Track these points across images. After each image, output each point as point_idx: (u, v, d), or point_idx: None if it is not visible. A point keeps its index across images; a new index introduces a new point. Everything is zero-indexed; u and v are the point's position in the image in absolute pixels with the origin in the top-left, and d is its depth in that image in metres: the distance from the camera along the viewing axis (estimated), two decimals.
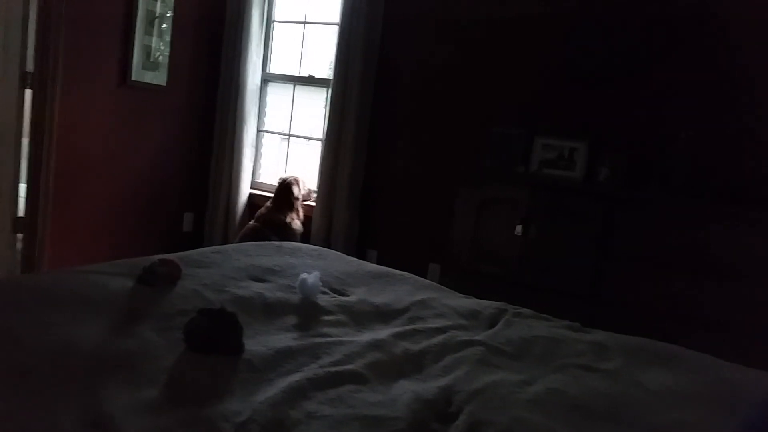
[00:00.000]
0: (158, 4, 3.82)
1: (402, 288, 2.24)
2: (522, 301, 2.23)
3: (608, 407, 1.46)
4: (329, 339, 1.67)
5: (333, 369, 1.46)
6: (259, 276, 2.14)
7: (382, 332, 1.78)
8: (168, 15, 3.90)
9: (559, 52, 3.32)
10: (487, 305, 2.14)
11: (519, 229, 3.04)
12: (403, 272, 2.45)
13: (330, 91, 3.92)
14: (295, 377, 1.39)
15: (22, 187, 3.46)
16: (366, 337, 1.73)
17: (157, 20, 3.83)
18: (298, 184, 3.89)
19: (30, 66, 3.36)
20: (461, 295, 2.30)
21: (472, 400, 1.39)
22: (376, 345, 1.65)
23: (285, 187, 3.87)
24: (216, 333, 1.49)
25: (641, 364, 1.76)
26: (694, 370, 1.76)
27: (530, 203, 3.05)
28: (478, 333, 1.87)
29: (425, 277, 2.56)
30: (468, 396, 1.41)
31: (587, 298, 2.87)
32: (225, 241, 4.12)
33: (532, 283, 2.99)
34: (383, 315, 1.96)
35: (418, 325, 1.87)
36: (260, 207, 3.95)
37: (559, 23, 3.31)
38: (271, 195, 3.95)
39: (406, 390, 1.42)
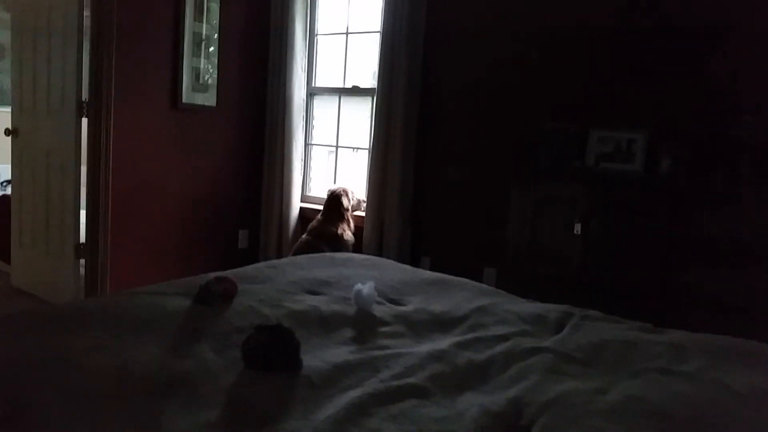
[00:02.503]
0: (204, 27, 3.90)
1: (460, 294, 2.17)
2: (586, 303, 2.13)
3: (692, 413, 1.35)
4: (388, 351, 1.62)
5: (394, 383, 1.41)
6: (314, 289, 2.11)
7: (443, 342, 1.72)
8: (214, 37, 3.97)
9: (609, 48, 3.20)
10: (551, 309, 2.05)
11: (578, 227, 2.93)
12: (459, 278, 2.39)
13: (375, 99, 3.89)
14: (356, 393, 1.34)
15: (83, 214, 3.57)
16: (426, 347, 1.67)
17: (204, 42, 3.91)
18: (347, 195, 3.87)
19: (85, 95, 3.48)
20: (522, 299, 2.21)
21: (544, 411, 1.31)
22: (437, 356, 1.59)
23: (334, 198, 3.85)
24: (273, 350, 1.46)
25: (724, 364, 1.64)
26: None
27: (588, 200, 2.93)
28: (545, 339, 1.79)
29: (481, 282, 2.48)
30: (540, 408, 1.33)
31: (655, 297, 2.72)
32: (279, 256, 4.13)
33: (594, 284, 2.86)
34: (442, 324, 1.90)
35: (480, 333, 1.80)
36: (311, 220, 3.95)
37: (610, 27, 3.18)
38: (321, 207, 3.94)
39: (473, 403, 1.36)
